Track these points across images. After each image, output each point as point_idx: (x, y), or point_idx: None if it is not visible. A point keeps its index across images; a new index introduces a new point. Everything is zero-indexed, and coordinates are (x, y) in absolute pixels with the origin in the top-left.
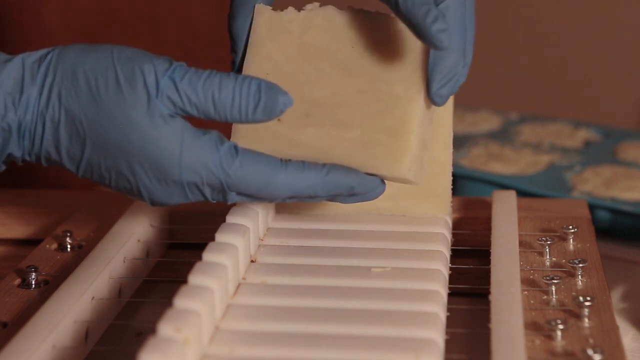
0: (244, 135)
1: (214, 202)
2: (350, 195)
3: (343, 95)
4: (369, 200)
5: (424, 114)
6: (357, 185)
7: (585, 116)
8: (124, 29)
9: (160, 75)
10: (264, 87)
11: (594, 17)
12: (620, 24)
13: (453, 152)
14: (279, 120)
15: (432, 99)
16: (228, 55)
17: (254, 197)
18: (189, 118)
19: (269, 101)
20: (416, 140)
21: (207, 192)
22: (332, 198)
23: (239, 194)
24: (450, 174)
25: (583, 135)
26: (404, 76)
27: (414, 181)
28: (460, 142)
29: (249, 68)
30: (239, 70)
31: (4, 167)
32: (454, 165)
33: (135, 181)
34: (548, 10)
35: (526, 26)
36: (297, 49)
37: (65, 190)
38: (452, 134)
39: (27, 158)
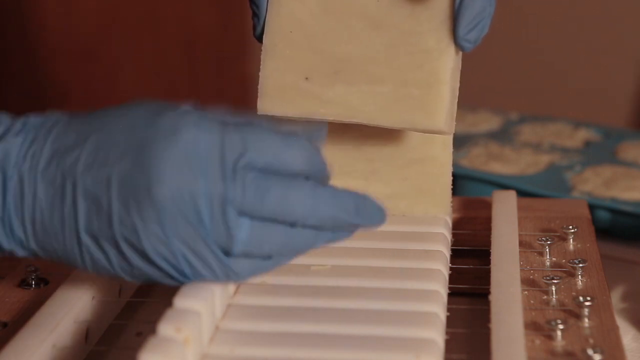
0: (272, 96)
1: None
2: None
3: (372, 50)
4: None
5: (454, 64)
6: (363, 216)
7: (585, 116)
8: (124, 29)
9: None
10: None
11: (594, 18)
12: (620, 24)
13: (453, 152)
14: (307, 79)
15: (459, 44)
16: (228, 56)
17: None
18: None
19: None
20: (449, 91)
21: (214, 211)
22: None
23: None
24: (450, 174)
25: (583, 135)
26: (433, 28)
27: (448, 132)
28: (460, 142)
29: (271, 26)
30: (261, 35)
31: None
32: (454, 165)
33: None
34: (548, 10)
35: (526, 26)
36: (321, 5)
37: None
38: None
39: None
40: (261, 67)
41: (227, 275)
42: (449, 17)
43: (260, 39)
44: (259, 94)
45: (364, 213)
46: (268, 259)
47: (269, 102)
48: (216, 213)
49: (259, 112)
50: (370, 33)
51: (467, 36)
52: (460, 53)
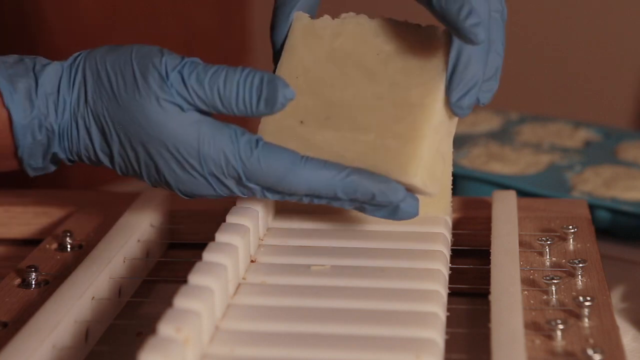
0: (269, 135)
1: (244, 196)
2: (374, 205)
3: (363, 99)
4: (399, 217)
5: (440, 124)
6: (377, 193)
7: (585, 116)
8: (124, 28)
9: (170, 70)
10: (266, 80)
11: (594, 18)
12: (620, 24)
13: (453, 152)
14: (301, 122)
15: (453, 110)
16: (228, 55)
17: (275, 190)
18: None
19: (270, 94)
20: (428, 148)
21: (231, 184)
22: (357, 206)
23: (260, 186)
24: (450, 174)
25: (583, 135)
26: (422, 83)
27: (425, 190)
28: (460, 142)
29: (282, 71)
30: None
31: (53, 168)
32: (454, 165)
33: (162, 172)
34: (548, 10)
35: (526, 26)
36: (326, 54)
37: (65, 190)
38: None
39: (71, 158)
40: None
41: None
42: (440, 75)
43: None
44: (258, 130)
45: (378, 195)
46: None
47: (266, 139)
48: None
49: None
50: (364, 82)
51: (459, 102)
52: (455, 118)
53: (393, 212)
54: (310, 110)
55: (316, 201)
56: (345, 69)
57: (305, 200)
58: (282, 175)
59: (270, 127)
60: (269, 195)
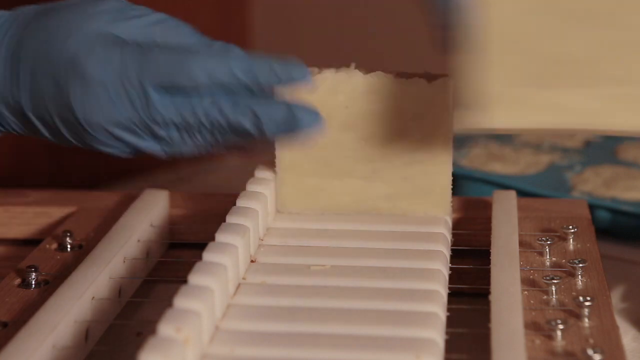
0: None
1: (145, 113)
2: (271, 106)
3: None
4: (299, 126)
5: None
6: (278, 69)
7: None
8: None
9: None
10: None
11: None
12: None
13: (453, 152)
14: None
15: None
16: None
17: (175, 87)
18: None
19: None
20: None
21: (129, 90)
22: (255, 121)
23: (159, 86)
24: (450, 174)
25: (583, 135)
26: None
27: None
28: (460, 142)
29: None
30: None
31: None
32: (454, 165)
33: (63, 93)
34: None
35: None
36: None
37: (65, 190)
38: (452, 134)
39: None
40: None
41: (171, 155)
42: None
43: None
44: (479, 105)
45: (278, 70)
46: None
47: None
48: (145, 130)
49: (486, 126)
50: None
51: None
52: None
53: (292, 122)
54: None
55: (216, 105)
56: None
57: (207, 106)
58: (179, 64)
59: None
60: (167, 105)
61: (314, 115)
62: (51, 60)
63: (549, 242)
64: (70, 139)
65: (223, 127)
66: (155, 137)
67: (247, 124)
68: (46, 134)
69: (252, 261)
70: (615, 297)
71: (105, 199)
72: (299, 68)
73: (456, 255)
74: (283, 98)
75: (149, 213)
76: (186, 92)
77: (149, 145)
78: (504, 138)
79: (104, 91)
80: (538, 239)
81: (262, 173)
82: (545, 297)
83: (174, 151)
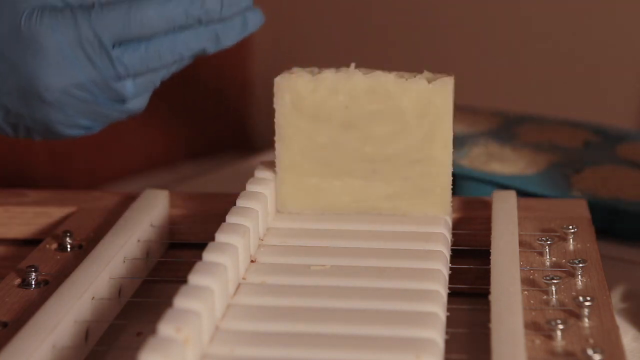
0: None
1: (105, 77)
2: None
3: None
4: (249, 29)
5: None
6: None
7: (585, 116)
8: None
9: None
10: None
11: (594, 17)
12: (620, 24)
13: (453, 152)
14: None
15: None
16: (228, 55)
17: (132, 38)
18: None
19: None
20: None
21: (88, 49)
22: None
23: (117, 41)
24: (450, 174)
25: (583, 135)
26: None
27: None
28: (460, 142)
29: None
30: None
31: None
32: (454, 165)
33: (18, 67)
34: (548, 9)
35: (526, 26)
36: None
37: (65, 190)
38: (452, 134)
39: None
40: None
41: (130, 114)
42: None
43: None
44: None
45: (222, 6)
46: (152, 73)
47: None
48: (104, 89)
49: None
50: None
51: None
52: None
53: (245, 29)
54: None
55: (181, 49)
56: None
57: (169, 47)
58: (128, 11)
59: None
60: (130, 57)
61: (259, 15)
62: None
63: (549, 242)
64: (28, 122)
65: (185, 59)
66: (113, 93)
67: (210, 48)
68: (2, 123)
69: (252, 261)
70: (615, 297)
71: (105, 199)
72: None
73: (456, 255)
74: (231, 8)
75: (149, 213)
76: (143, 40)
77: (107, 107)
78: (504, 138)
79: (62, 55)
80: (538, 239)
81: (262, 173)
82: (545, 297)
83: (131, 108)
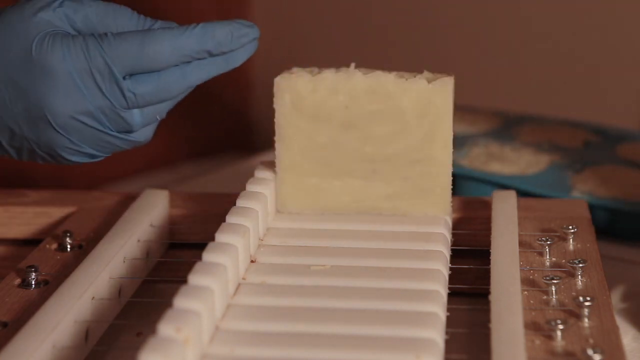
0: None
1: (119, 103)
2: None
3: None
4: (235, 62)
5: None
6: (234, 28)
7: (585, 116)
8: None
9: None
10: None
11: (594, 17)
12: (620, 24)
13: (453, 152)
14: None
15: None
16: None
17: (144, 70)
18: None
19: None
20: None
21: (98, 78)
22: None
23: (129, 75)
24: (450, 174)
25: (583, 135)
26: None
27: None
28: (460, 142)
29: None
30: None
31: None
32: (454, 165)
33: (26, 93)
34: (548, 10)
35: (526, 26)
36: None
37: (65, 190)
38: (452, 134)
39: None
40: None
41: (135, 145)
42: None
43: None
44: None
45: (232, 38)
46: (158, 106)
47: None
48: (111, 118)
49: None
50: None
51: None
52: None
53: (246, 50)
54: None
55: (190, 77)
56: None
57: (180, 79)
58: (141, 44)
59: None
60: (144, 87)
61: (255, 32)
62: (6, 65)
63: (549, 242)
64: (33, 146)
65: (192, 88)
66: (120, 122)
67: (217, 74)
68: (6, 145)
69: (252, 261)
70: (615, 297)
71: (105, 199)
72: (251, 28)
73: (456, 255)
74: (230, 37)
75: (149, 213)
76: (154, 71)
77: (113, 136)
78: (504, 138)
79: (72, 82)
80: (538, 239)
81: (262, 173)
82: (545, 297)
83: (137, 139)
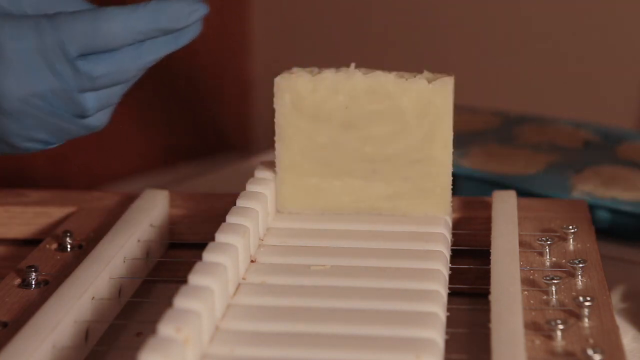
0: None
1: (74, 83)
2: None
3: None
4: (186, 38)
5: None
6: (188, 11)
7: (585, 116)
8: None
9: None
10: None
11: (594, 17)
12: (620, 24)
13: (453, 152)
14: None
15: None
16: (228, 55)
17: (98, 50)
18: None
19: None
20: None
21: (50, 58)
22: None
23: (81, 56)
24: (450, 174)
25: (583, 135)
26: None
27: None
28: (460, 142)
29: None
30: None
31: None
32: (454, 165)
33: None
34: (548, 10)
35: (526, 26)
36: None
37: (65, 190)
38: (452, 134)
39: None
40: None
41: (91, 130)
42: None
43: None
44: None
45: (185, 15)
46: (115, 87)
47: None
48: (65, 101)
49: None
50: None
51: None
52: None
53: (197, 26)
54: None
55: (139, 51)
56: None
57: (135, 57)
58: (94, 21)
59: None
60: (99, 68)
61: (204, 9)
62: None
63: (549, 242)
64: None
65: (146, 68)
66: (74, 106)
67: (169, 51)
68: None
69: (252, 261)
70: (615, 297)
71: (105, 199)
72: (200, 4)
73: (456, 255)
74: (184, 13)
75: (149, 213)
76: (107, 51)
77: (67, 120)
78: (504, 138)
79: (22, 63)
80: (538, 239)
81: (262, 173)
82: (545, 297)
83: (92, 124)
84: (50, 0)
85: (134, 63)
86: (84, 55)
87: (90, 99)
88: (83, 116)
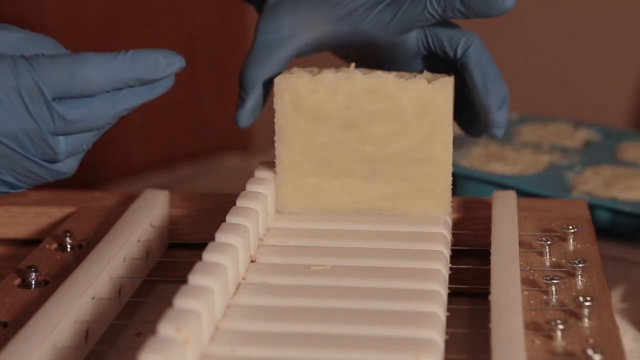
0: None
1: (39, 124)
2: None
3: None
4: (159, 90)
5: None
6: (161, 58)
7: (585, 116)
8: (123, 28)
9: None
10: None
11: (594, 17)
12: (620, 24)
13: (453, 152)
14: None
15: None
16: (228, 55)
17: (74, 95)
18: None
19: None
20: None
21: (26, 98)
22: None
23: (57, 95)
24: (450, 174)
25: (583, 135)
26: None
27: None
28: (460, 142)
29: None
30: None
31: None
32: (454, 165)
33: None
34: (548, 10)
35: (526, 26)
36: None
37: (65, 190)
38: (452, 134)
39: None
40: None
41: (58, 176)
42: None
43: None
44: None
45: (162, 66)
46: (84, 135)
47: None
48: (37, 143)
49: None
50: None
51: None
52: None
53: (172, 77)
54: None
55: (114, 99)
56: None
57: (109, 105)
58: (72, 66)
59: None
60: (74, 112)
61: (181, 62)
62: None
63: (549, 242)
64: None
65: (120, 117)
66: (46, 149)
67: (144, 101)
68: None
69: (252, 261)
70: (615, 297)
71: (105, 199)
72: (178, 57)
73: (456, 255)
74: (162, 65)
75: (149, 213)
76: (81, 97)
77: (37, 164)
78: (504, 138)
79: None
80: (538, 239)
81: (262, 173)
82: (545, 297)
83: (61, 170)
84: (29, 43)
85: (109, 111)
86: (60, 99)
87: (61, 144)
88: (53, 161)
